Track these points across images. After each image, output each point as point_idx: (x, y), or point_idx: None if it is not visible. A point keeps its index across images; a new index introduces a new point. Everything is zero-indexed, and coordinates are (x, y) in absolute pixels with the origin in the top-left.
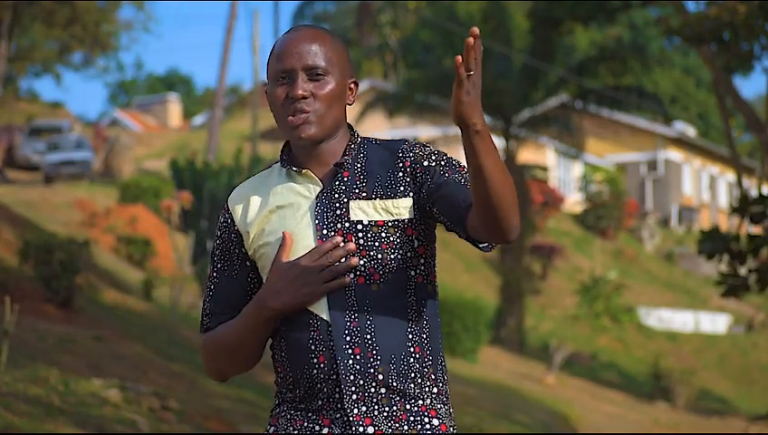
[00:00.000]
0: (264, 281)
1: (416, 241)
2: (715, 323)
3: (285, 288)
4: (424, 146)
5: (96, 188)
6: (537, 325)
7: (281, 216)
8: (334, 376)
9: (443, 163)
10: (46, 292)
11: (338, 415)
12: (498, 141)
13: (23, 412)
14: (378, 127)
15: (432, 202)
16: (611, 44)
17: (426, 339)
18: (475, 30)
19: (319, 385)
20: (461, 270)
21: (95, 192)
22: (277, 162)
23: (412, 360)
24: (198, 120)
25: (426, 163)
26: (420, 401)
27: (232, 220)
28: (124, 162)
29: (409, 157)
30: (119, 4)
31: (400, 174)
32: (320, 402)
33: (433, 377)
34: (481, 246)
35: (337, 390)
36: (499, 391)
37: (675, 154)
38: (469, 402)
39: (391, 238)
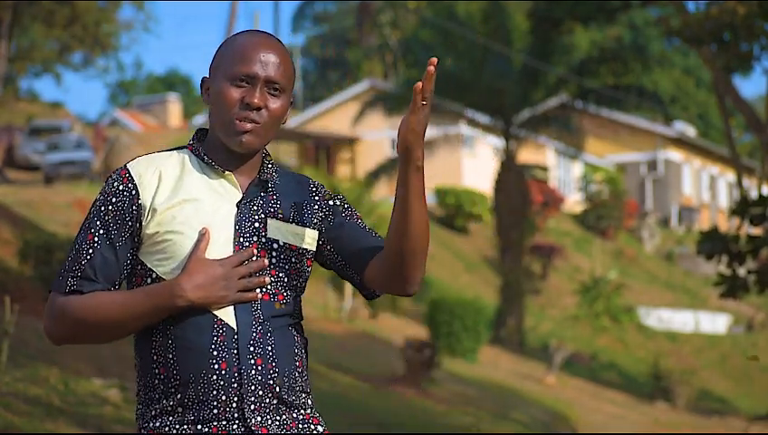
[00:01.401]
0: (150, 265)
1: (307, 271)
2: (715, 323)
3: (206, 284)
4: (332, 191)
5: (96, 188)
6: (537, 325)
7: (197, 209)
8: (235, 384)
9: (346, 205)
10: (46, 292)
11: (234, 425)
12: (498, 141)
13: (23, 412)
14: (377, 127)
15: (329, 240)
16: (611, 44)
17: (305, 356)
18: (434, 60)
19: (215, 392)
20: (461, 270)
21: (95, 192)
22: (183, 148)
23: (297, 374)
24: (198, 120)
25: (331, 202)
26: (303, 411)
27: (137, 192)
28: (124, 162)
29: (320, 193)
30: (119, 4)
31: (314, 206)
32: (214, 411)
33: (308, 390)
34: (365, 293)
35: (236, 398)
36: (499, 391)
37: (675, 154)
38: (469, 402)
39: (297, 265)
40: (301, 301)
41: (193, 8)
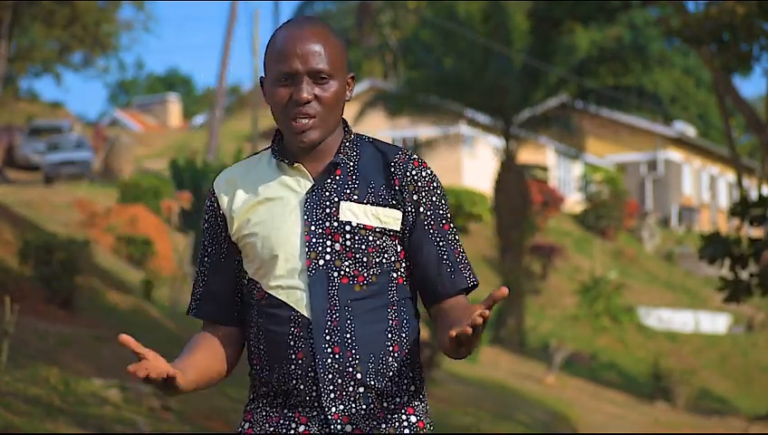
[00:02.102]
0: (245, 268)
1: (398, 245)
2: (715, 323)
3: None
4: (417, 168)
5: (96, 188)
6: (537, 325)
7: (269, 208)
8: (312, 374)
9: (430, 211)
10: (46, 292)
11: (314, 413)
12: (498, 141)
13: (23, 412)
14: (377, 127)
15: (408, 254)
16: (611, 44)
17: (405, 338)
18: (477, 317)
19: (295, 381)
20: None
21: (95, 192)
22: (266, 149)
23: (390, 359)
24: (198, 120)
25: (415, 197)
26: (398, 399)
27: (218, 204)
28: (124, 162)
29: (399, 174)
30: (119, 4)
31: (391, 188)
32: (297, 398)
33: (411, 375)
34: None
35: (314, 387)
36: (499, 391)
37: (675, 154)
38: (469, 402)
39: (377, 242)
40: (401, 277)
41: (193, 8)
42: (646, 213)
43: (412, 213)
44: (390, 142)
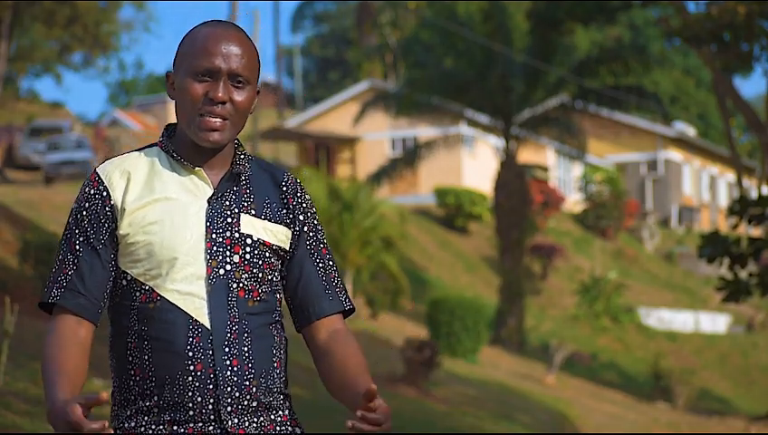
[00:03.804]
0: (123, 268)
1: (281, 266)
2: (715, 323)
3: (56, 425)
4: (302, 191)
5: None
6: (537, 325)
7: (168, 208)
8: (211, 386)
9: (312, 233)
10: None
11: (210, 427)
12: (498, 141)
13: (23, 412)
14: (378, 127)
15: (286, 274)
16: (612, 45)
17: (283, 356)
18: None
19: (191, 393)
20: (461, 270)
21: None
22: (152, 145)
23: (275, 375)
24: None
25: (301, 217)
26: (281, 412)
27: (108, 194)
28: None
29: (291, 194)
30: (119, 4)
31: (283, 208)
32: (190, 413)
33: (286, 391)
34: (295, 326)
35: (211, 400)
36: (499, 391)
37: (675, 154)
38: (469, 402)
39: (272, 260)
40: (279, 298)
41: (193, 8)
42: (646, 213)
43: (296, 233)
44: (390, 142)
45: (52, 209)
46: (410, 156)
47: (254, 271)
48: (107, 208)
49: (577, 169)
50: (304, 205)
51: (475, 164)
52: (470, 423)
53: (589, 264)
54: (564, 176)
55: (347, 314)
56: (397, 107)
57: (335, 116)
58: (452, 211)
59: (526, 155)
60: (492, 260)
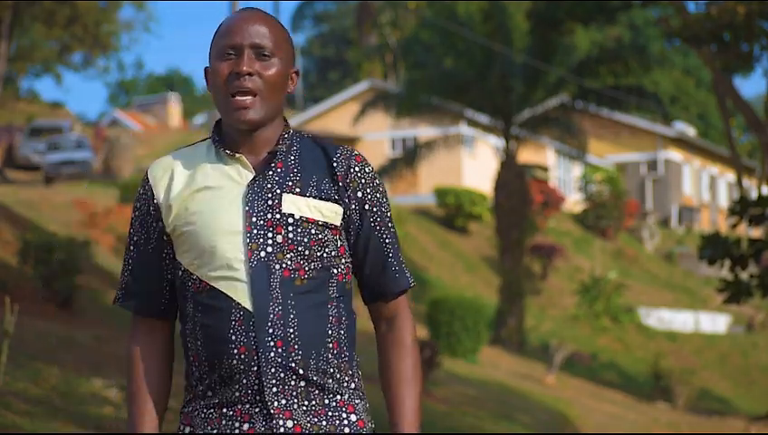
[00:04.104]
0: (178, 259)
1: (339, 241)
2: (715, 323)
3: None
4: (359, 164)
5: (96, 188)
6: (537, 325)
7: (208, 197)
8: (255, 368)
9: (375, 208)
10: (46, 292)
11: (257, 409)
12: (498, 141)
13: (23, 412)
14: (378, 127)
15: (352, 251)
16: (612, 45)
17: (343, 335)
18: None
19: (237, 375)
20: (461, 270)
21: (95, 192)
22: (205, 139)
23: (330, 355)
24: (198, 120)
25: (359, 194)
26: (338, 396)
27: (152, 193)
28: (124, 162)
29: (342, 171)
30: (119, 4)
31: (333, 184)
32: (237, 394)
33: (350, 373)
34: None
35: (256, 381)
36: (499, 391)
37: (675, 154)
38: (469, 402)
39: (319, 236)
40: (339, 274)
41: (193, 8)
42: (646, 213)
43: (356, 210)
44: (390, 142)
45: (52, 209)
46: (410, 156)
47: (300, 249)
48: (152, 208)
49: (577, 169)
50: (363, 180)
51: (475, 164)
52: (470, 423)
53: (589, 264)
54: (564, 176)
55: (408, 290)
56: (397, 108)
57: (335, 116)
58: (452, 211)
59: (526, 155)
60: (492, 260)
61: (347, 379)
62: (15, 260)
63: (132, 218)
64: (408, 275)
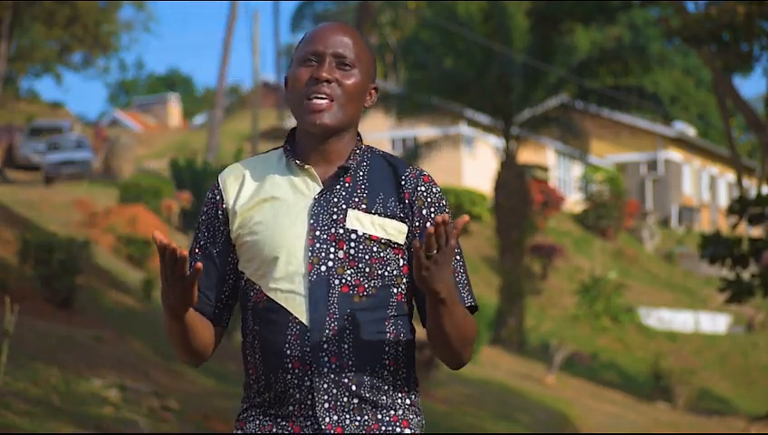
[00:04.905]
0: (241, 268)
1: (401, 260)
2: (715, 323)
3: (164, 291)
4: (427, 184)
5: (96, 188)
6: (537, 325)
7: (274, 207)
8: (308, 383)
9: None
10: (46, 292)
11: (308, 422)
12: (498, 141)
13: (23, 412)
14: (378, 127)
15: (411, 267)
16: (612, 45)
17: (401, 353)
18: (439, 219)
19: (291, 390)
20: None
21: (95, 192)
22: (277, 148)
23: (386, 373)
24: (198, 120)
25: (424, 212)
26: (392, 411)
27: (221, 198)
28: (124, 162)
29: (410, 189)
30: (119, 4)
31: (399, 202)
32: (290, 408)
33: (406, 389)
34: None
35: (309, 396)
36: (499, 391)
37: (675, 154)
38: (469, 402)
39: (381, 254)
40: (398, 293)
41: (193, 8)
42: (646, 213)
43: (420, 228)
44: (390, 142)
45: (52, 209)
46: (410, 156)
47: (360, 266)
48: (219, 212)
49: (577, 169)
50: (428, 199)
51: (475, 164)
52: (470, 423)
53: (589, 264)
54: (564, 176)
55: (471, 311)
56: (398, 109)
57: None
58: (452, 211)
59: (526, 155)
60: (492, 260)
61: (401, 395)
62: (15, 260)
63: (199, 223)
64: (465, 295)
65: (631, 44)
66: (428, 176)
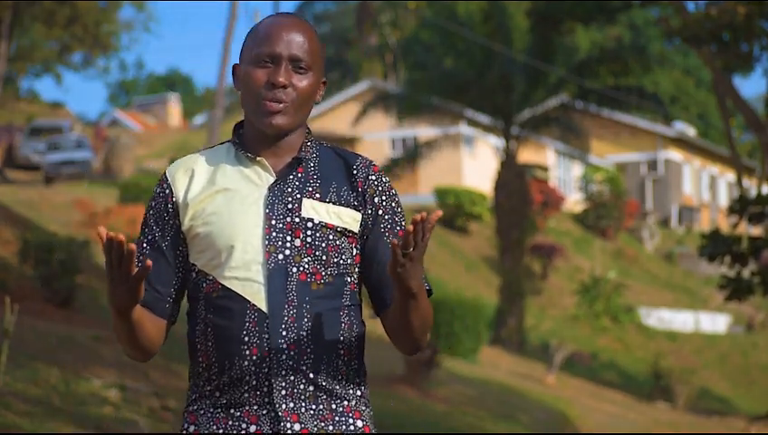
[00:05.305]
0: (192, 260)
1: (354, 249)
2: (715, 323)
3: (110, 289)
4: (377, 174)
5: (96, 188)
6: (537, 325)
7: (228, 198)
8: (265, 369)
9: (388, 215)
10: (46, 292)
11: (264, 411)
12: (498, 141)
13: (23, 412)
14: (378, 127)
15: (363, 258)
16: (612, 45)
17: (354, 342)
18: (417, 217)
19: (247, 377)
20: (461, 270)
21: (95, 192)
22: (225, 142)
23: (340, 362)
24: (198, 120)
25: (376, 200)
26: (345, 402)
27: (171, 191)
28: (124, 162)
29: (362, 178)
30: (119, 4)
31: (353, 190)
32: (245, 395)
33: (357, 380)
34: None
35: (266, 383)
36: (499, 391)
37: (675, 154)
38: (469, 402)
39: (337, 242)
40: (351, 282)
41: (193, 8)
42: (646, 213)
43: (372, 215)
44: (391, 142)
45: (52, 209)
46: (410, 156)
47: (317, 253)
48: (169, 206)
49: (577, 169)
50: (380, 188)
51: (475, 164)
52: (470, 423)
53: (589, 264)
54: (564, 176)
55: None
56: (398, 108)
57: (335, 116)
58: (452, 211)
59: (526, 155)
60: (492, 260)
61: (353, 386)
62: (15, 260)
63: (146, 217)
64: (425, 280)
65: (631, 44)
66: (378, 166)
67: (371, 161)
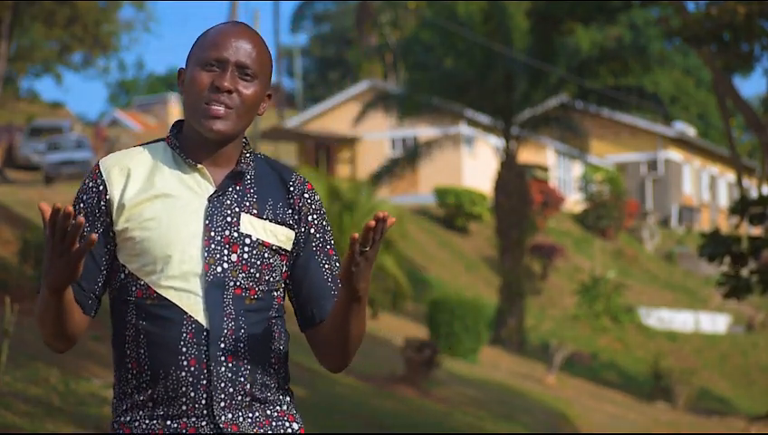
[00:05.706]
0: (122, 262)
1: (284, 266)
2: (715, 323)
3: (49, 262)
4: (311, 192)
5: None
6: (537, 325)
7: (166, 205)
8: (204, 381)
9: (319, 234)
10: None
11: (203, 422)
12: (498, 141)
13: (23, 412)
14: (377, 127)
15: (292, 275)
16: (612, 45)
17: (282, 352)
18: (380, 214)
19: (184, 388)
20: (461, 270)
21: None
22: (159, 141)
23: (272, 371)
24: None
25: (309, 218)
26: (278, 407)
27: (105, 188)
28: None
29: (297, 195)
30: (119, 4)
31: (288, 208)
32: (183, 408)
33: (285, 386)
34: (300, 326)
35: (205, 395)
36: (499, 391)
37: (675, 154)
38: (469, 402)
39: (271, 260)
40: (278, 296)
41: (193, 8)
42: (646, 213)
43: (304, 234)
44: (391, 142)
45: None
46: (410, 156)
47: (252, 271)
48: (102, 203)
49: (577, 169)
50: (313, 206)
51: (475, 164)
52: (470, 423)
53: (589, 264)
54: (564, 176)
55: None
56: (398, 108)
57: (335, 116)
58: (452, 211)
59: (526, 155)
60: (492, 260)
61: (283, 392)
62: (15, 260)
63: (75, 208)
64: None
65: (631, 44)
66: (311, 184)
67: (305, 178)
